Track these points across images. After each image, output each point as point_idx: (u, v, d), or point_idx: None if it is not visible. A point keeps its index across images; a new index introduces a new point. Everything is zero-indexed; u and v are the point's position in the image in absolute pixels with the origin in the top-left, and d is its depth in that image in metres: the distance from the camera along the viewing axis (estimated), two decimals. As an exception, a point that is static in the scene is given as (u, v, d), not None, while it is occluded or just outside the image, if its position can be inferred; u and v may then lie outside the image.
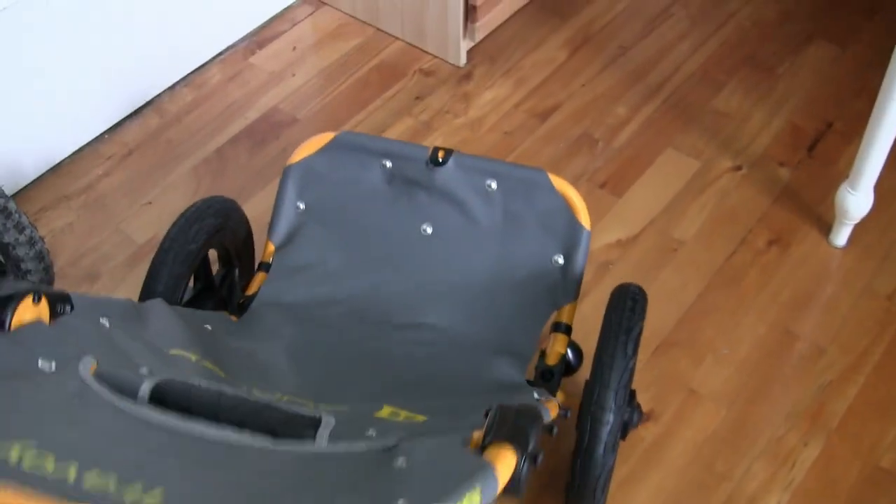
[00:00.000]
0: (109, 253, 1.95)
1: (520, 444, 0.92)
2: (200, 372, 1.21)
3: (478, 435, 0.95)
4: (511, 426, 0.95)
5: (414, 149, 1.54)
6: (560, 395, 1.44)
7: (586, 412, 1.32)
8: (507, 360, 1.42)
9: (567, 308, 1.48)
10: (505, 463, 0.89)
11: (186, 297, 1.50)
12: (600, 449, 1.30)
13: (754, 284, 1.85)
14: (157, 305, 1.33)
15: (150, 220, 1.99)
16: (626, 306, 1.38)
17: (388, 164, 1.54)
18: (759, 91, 2.22)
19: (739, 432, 1.66)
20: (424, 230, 1.54)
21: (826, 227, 1.91)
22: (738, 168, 2.05)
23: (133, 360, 1.14)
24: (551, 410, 1.25)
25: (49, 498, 0.80)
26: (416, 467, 0.93)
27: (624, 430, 1.39)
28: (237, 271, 1.63)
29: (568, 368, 1.46)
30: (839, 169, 2.02)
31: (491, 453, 0.91)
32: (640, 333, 1.36)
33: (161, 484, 0.85)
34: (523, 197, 1.50)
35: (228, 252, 1.60)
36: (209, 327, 1.39)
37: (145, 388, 1.04)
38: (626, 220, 1.97)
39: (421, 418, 1.21)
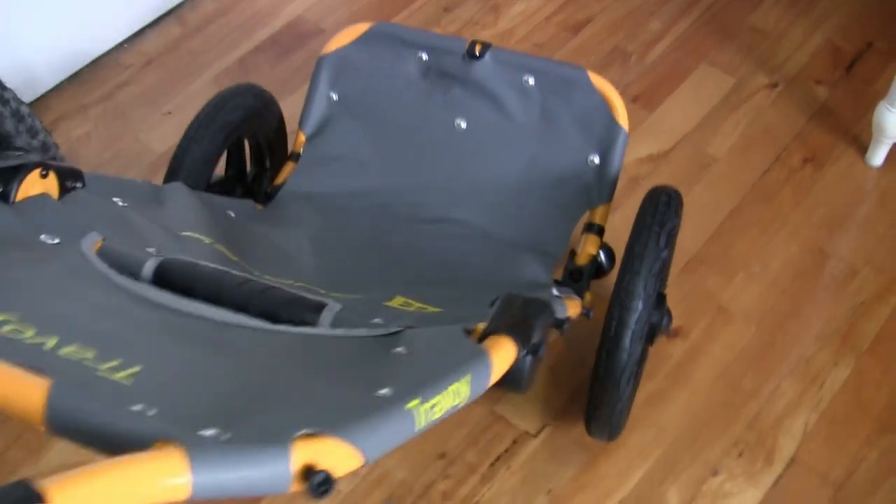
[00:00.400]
0: (128, 163, 1.92)
1: (520, 336, 0.90)
2: (211, 254, 1.18)
3: (482, 326, 0.93)
4: (514, 317, 0.93)
5: (451, 41, 1.50)
6: (588, 297, 1.41)
7: (615, 300, 1.27)
8: (535, 258, 1.39)
9: (600, 209, 1.45)
10: (502, 353, 0.87)
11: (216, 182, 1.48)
12: (627, 337, 1.26)
13: (788, 202, 1.81)
14: (178, 189, 1.30)
15: (170, 129, 1.95)
16: (661, 201, 1.33)
17: (424, 56, 1.50)
18: (797, 8, 2.15)
19: (769, 351, 1.62)
20: (458, 125, 1.50)
21: (862, 146, 1.86)
22: (774, 85, 2.00)
23: (142, 239, 1.11)
24: (569, 308, 1.22)
25: (16, 363, 0.77)
26: (414, 355, 0.90)
27: (652, 333, 1.36)
28: (269, 164, 1.60)
29: (599, 270, 1.43)
30: (878, 88, 1.95)
31: (489, 343, 0.88)
32: (674, 229, 1.32)
33: (141, 362, 0.82)
34: (561, 94, 1.45)
35: (261, 147, 1.57)
36: (232, 213, 1.36)
37: (149, 267, 1.02)
38: (658, 134, 1.92)
39: (434, 310, 1.18)
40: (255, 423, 0.74)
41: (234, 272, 1.05)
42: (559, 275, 1.41)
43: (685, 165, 1.86)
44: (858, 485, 1.48)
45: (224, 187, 1.52)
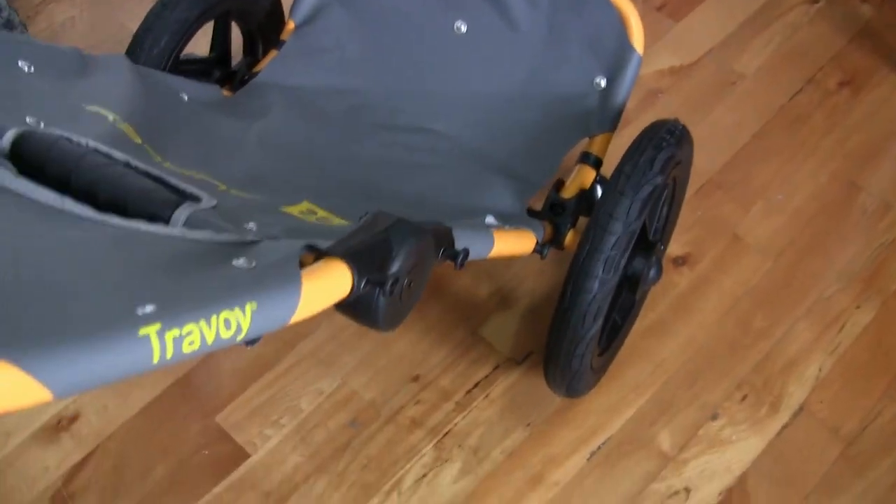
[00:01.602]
0: (112, 49, 1.78)
1: (361, 264, 0.75)
2: (108, 133, 1.04)
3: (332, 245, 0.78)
4: (367, 240, 0.77)
5: None
6: (570, 236, 1.25)
7: (592, 222, 1.12)
8: (510, 184, 1.25)
9: (600, 138, 1.30)
10: (324, 283, 0.72)
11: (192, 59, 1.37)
12: (599, 263, 1.10)
13: (819, 128, 1.64)
14: (115, 61, 1.17)
15: (154, 12, 1.80)
16: (662, 129, 1.17)
17: None
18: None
19: (785, 288, 1.47)
20: (458, 28, 1.38)
21: (907, 72, 1.69)
22: (814, 1, 1.82)
23: (27, 107, 0.99)
24: (504, 241, 1.06)
25: None
26: (253, 271, 0.74)
27: (632, 282, 1.20)
28: (260, 54, 1.49)
29: (591, 206, 1.25)
30: (928, 11, 1.78)
31: (316, 268, 0.74)
32: (672, 158, 1.15)
33: None
34: (572, 6, 1.32)
35: (252, 34, 1.47)
36: (185, 96, 1.24)
37: (7, 138, 0.90)
38: (682, 46, 1.75)
39: (339, 222, 1.03)
40: None
41: (111, 153, 0.92)
42: (539, 205, 1.26)
43: (708, 82, 1.70)
44: (871, 442, 1.34)
45: (199, 67, 1.40)
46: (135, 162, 0.92)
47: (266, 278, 0.70)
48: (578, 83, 1.32)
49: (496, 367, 1.41)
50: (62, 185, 0.86)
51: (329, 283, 0.73)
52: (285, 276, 0.70)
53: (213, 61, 1.43)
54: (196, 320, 0.62)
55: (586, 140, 1.31)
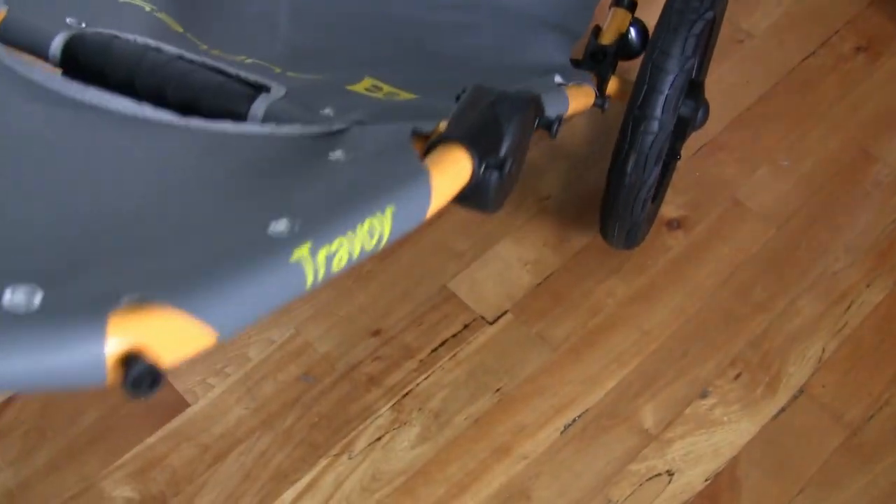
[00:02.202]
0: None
1: (480, 146, 0.69)
2: (149, 25, 0.99)
3: (442, 126, 0.70)
4: (477, 119, 0.71)
5: None
6: (615, 83, 1.18)
7: (646, 62, 1.08)
8: (552, 35, 1.17)
9: None
10: (449, 173, 0.67)
11: None
12: (658, 104, 1.07)
13: (832, 93, 1.51)
14: None
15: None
16: None
17: None
18: None
19: (788, 258, 1.34)
20: None
21: (930, 40, 1.57)
22: (832, -39, 1.69)
23: (60, 7, 0.95)
24: (576, 99, 0.99)
25: None
26: (355, 164, 0.68)
27: (682, 129, 1.20)
28: None
29: (629, 52, 1.21)
30: (954, -20, 1.65)
31: (435, 156, 0.67)
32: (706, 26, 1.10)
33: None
34: None
35: None
36: None
37: (57, 44, 0.87)
38: None
39: (407, 96, 0.96)
40: (80, 283, 0.53)
41: (163, 48, 0.87)
42: (580, 55, 1.20)
43: (715, 38, 1.56)
44: (877, 432, 1.21)
45: None
46: (189, 55, 0.88)
47: (390, 175, 0.64)
48: None
49: (466, 326, 1.27)
50: (127, 89, 0.82)
51: (454, 172, 0.67)
52: (412, 170, 0.64)
53: None
54: (344, 232, 0.57)
55: None
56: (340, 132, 0.75)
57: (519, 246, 1.34)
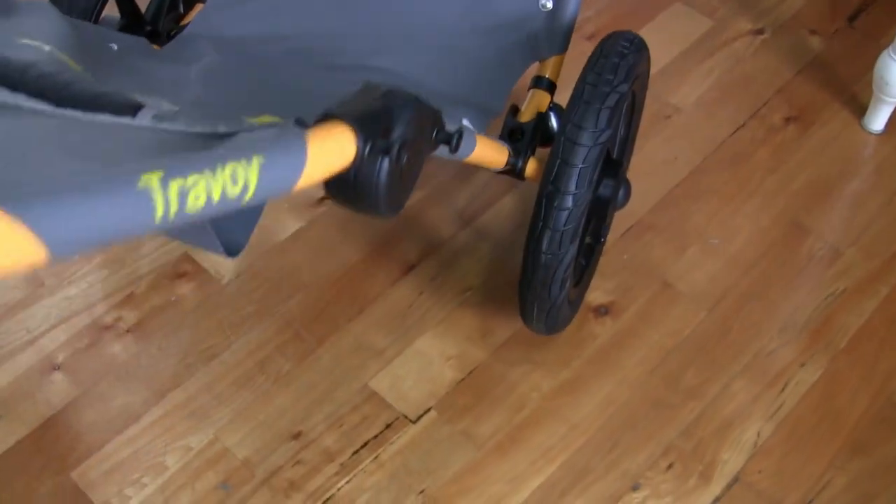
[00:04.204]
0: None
1: (365, 124, 0.67)
2: (45, 59, 0.94)
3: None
4: (365, 104, 0.69)
5: None
6: (533, 165, 1.17)
7: (558, 139, 1.08)
8: (465, 111, 1.15)
9: (552, 61, 1.25)
10: (328, 141, 0.65)
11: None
12: (571, 178, 1.05)
13: (762, 166, 1.48)
14: (42, 6, 1.06)
15: None
16: (622, 38, 1.14)
17: None
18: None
19: (720, 342, 1.30)
20: None
21: (860, 108, 1.55)
22: (759, 32, 1.68)
23: None
24: (483, 144, 1.00)
25: None
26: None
27: (603, 207, 1.18)
28: (182, 9, 1.37)
29: (547, 135, 1.21)
30: (884, 44, 1.62)
31: (315, 128, 0.65)
32: (636, 68, 1.11)
33: None
34: None
35: None
36: (114, 46, 1.12)
37: None
38: (612, 76, 1.59)
39: None
40: None
41: (45, 68, 0.83)
42: (496, 135, 1.18)
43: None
44: (817, 517, 1.16)
45: (131, 24, 1.29)
46: (83, 76, 0.85)
47: (266, 136, 0.64)
48: (523, 6, 1.26)
49: (388, 426, 1.23)
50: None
51: (334, 144, 0.66)
52: (288, 134, 0.63)
53: (125, 28, 1.29)
54: (200, 170, 0.55)
55: (537, 65, 1.25)
56: (228, 135, 0.72)
57: (441, 340, 1.30)
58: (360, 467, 1.20)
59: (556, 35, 1.24)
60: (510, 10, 1.26)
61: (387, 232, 1.41)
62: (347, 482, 1.19)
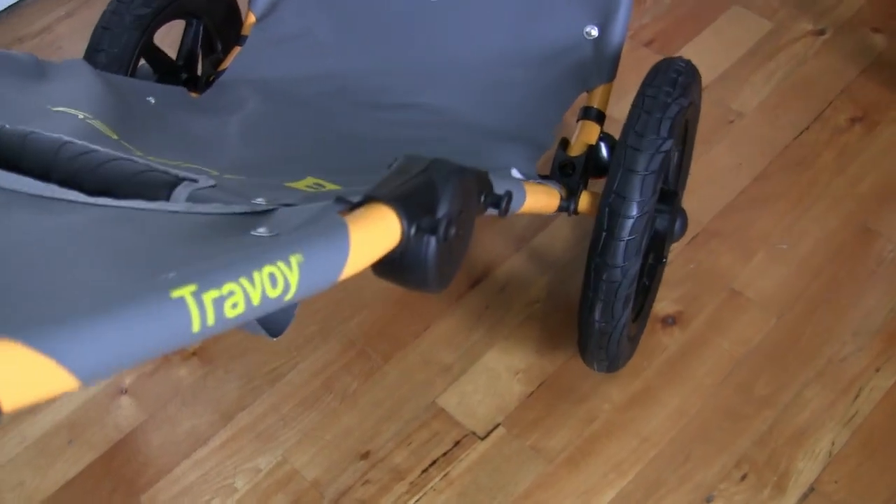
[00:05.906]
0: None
1: (407, 206, 0.64)
2: (80, 129, 0.94)
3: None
4: (408, 183, 0.67)
5: None
6: (587, 198, 1.14)
7: (603, 205, 1.04)
8: (518, 148, 1.15)
9: (600, 90, 1.22)
10: (371, 228, 0.62)
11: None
12: (619, 251, 1.02)
13: (828, 169, 1.46)
14: (76, 66, 1.07)
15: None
16: (666, 78, 1.09)
17: None
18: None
19: (791, 349, 1.28)
20: None
21: (927, 105, 1.51)
22: (821, 32, 1.65)
23: None
24: (533, 192, 0.98)
25: None
26: (279, 238, 0.63)
27: (661, 241, 1.16)
28: (220, 51, 1.39)
29: (599, 166, 1.17)
30: (950, 41, 1.61)
31: (356, 213, 0.63)
32: (681, 113, 1.06)
33: None
34: None
35: (209, 32, 1.36)
36: (152, 99, 1.14)
37: None
38: (671, 83, 1.58)
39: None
40: None
41: (75, 142, 0.82)
42: (547, 169, 1.16)
43: (703, 121, 1.52)
44: (897, 528, 1.13)
45: (165, 68, 1.30)
46: (115, 153, 0.82)
47: (306, 231, 0.60)
48: (568, 35, 1.25)
49: (457, 443, 1.22)
50: (41, 179, 0.77)
51: (377, 230, 0.63)
52: (328, 223, 0.60)
53: (180, 65, 1.32)
54: (235, 278, 0.53)
55: (585, 95, 1.22)
56: (267, 212, 0.71)
57: (508, 355, 1.29)
58: (430, 485, 1.19)
59: (603, 63, 1.22)
60: (555, 41, 1.25)
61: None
62: (417, 501, 1.18)
